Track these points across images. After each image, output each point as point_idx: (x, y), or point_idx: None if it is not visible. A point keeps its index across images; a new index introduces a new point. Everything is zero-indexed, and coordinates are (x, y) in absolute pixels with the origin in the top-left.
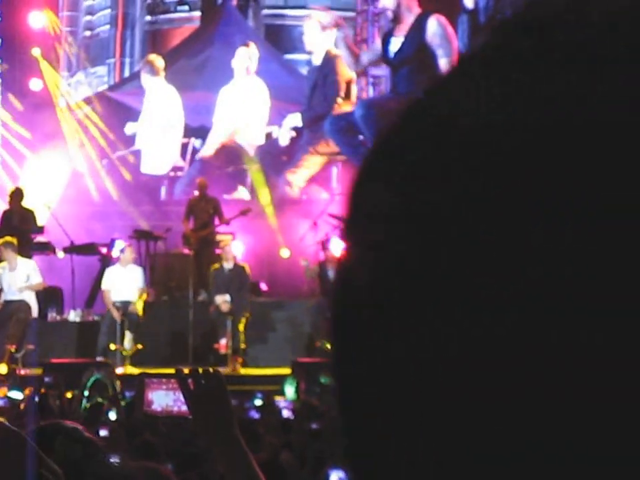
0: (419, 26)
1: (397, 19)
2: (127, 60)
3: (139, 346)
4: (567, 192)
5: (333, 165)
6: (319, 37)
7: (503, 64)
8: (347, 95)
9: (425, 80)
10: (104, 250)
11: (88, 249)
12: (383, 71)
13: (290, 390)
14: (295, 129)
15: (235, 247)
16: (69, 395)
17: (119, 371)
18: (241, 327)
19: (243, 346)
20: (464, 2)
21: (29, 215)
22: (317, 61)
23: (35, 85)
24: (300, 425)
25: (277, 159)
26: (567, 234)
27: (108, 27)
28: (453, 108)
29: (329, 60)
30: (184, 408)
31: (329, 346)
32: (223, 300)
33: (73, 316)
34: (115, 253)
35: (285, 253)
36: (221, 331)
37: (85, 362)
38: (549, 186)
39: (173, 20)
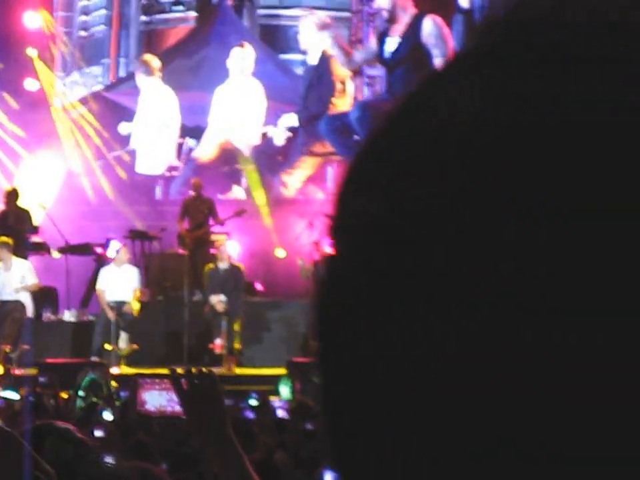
0: (415, 26)
1: (392, 19)
2: (122, 60)
3: (134, 346)
4: (541, 191)
5: (328, 165)
6: (315, 36)
7: (489, 64)
8: (343, 92)
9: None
10: (99, 250)
11: (83, 249)
12: (378, 71)
13: (285, 390)
14: (291, 128)
15: (230, 247)
16: (63, 394)
17: (114, 371)
18: (236, 327)
19: (237, 346)
20: (459, 1)
21: (24, 215)
22: (313, 60)
23: (30, 84)
24: (295, 425)
25: (272, 159)
26: (540, 233)
27: (103, 26)
28: (440, 109)
29: (324, 60)
30: (177, 408)
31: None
32: (218, 300)
33: (68, 316)
34: (110, 253)
35: (280, 252)
36: (216, 331)
37: (79, 362)
38: (524, 185)
39: (168, 20)
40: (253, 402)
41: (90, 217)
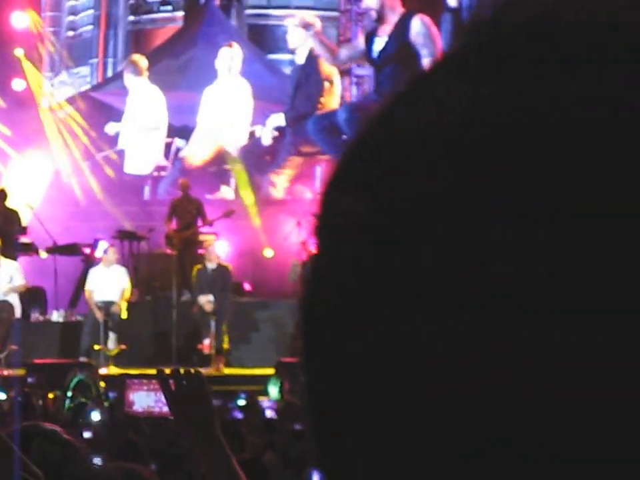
0: (403, 25)
1: (380, 18)
2: (110, 60)
3: (123, 346)
4: (541, 192)
5: (316, 164)
6: (301, 36)
7: (478, 64)
8: (331, 90)
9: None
10: (87, 250)
11: (71, 249)
12: (366, 70)
13: (274, 390)
14: (278, 128)
15: (219, 247)
16: (52, 395)
17: (103, 371)
18: (225, 327)
19: (226, 346)
20: (447, 1)
21: (13, 215)
22: (300, 60)
23: (17, 85)
24: (283, 425)
25: (260, 159)
26: (540, 233)
27: (91, 27)
28: (428, 109)
29: (312, 59)
30: (165, 409)
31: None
32: (206, 300)
33: (56, 316)
34: (98, 253)
35: (268, 252)
36: (204, 331)
37: (68, 362)
38: (523, 185)
39: (156, 20)
40: (242, 402)
41: (78, 217)
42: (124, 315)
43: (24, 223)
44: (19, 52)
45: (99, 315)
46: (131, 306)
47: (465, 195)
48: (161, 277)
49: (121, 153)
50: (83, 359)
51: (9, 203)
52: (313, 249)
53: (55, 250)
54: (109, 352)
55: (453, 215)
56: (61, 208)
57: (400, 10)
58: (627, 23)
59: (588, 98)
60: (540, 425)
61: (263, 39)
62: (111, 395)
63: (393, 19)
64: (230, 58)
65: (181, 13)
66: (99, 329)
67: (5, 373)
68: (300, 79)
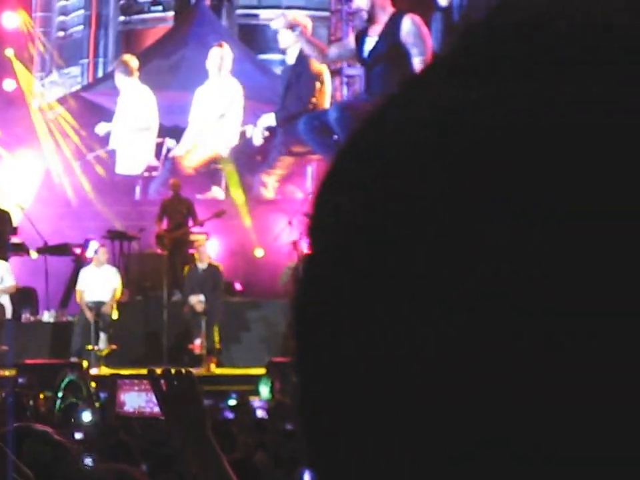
0: (393, 25)
1: (371, 18)
2: (101, 60)
3: (113, 346)
4: (535, 193)
5: (308, 164)
6: (289, 35)
7: (472, 66)
8: (322, 91)
9: (399, 79)
10: (78, 250)
11: (62, 249)
12: (357, 70)
13: (265, 390)
14: (269, 128)
15: (210, 247)
16: (43, 395)
17: (94, 371)
18: (215, 327)
19: (217, 346)
20: (438, 0)
21: (5, 216)
22: (291, 60)
23: (8, 85)
24: (274, 425)
25: (251, 159)
26: (535, 235)
27: (81, 27)
28: (421, 110)
29: (303, 59)
30: (156, 409)
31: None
32: (197, 300)
33: (47, 317)
34: (89, 253)
35: (259, 252)
36: (195, 331)
37: (59, 363)
38: (518, 187)
39: (146, 20)
40: (233, 402)
41: (68, 217)
42: (115, 316)
43: (15, 223)
44: (9, 52)
45: (90, 315)
46: (121, 306)
47: (458, 196)
48: (152, 277)
49: (111, 153)
50: (74, 359)
51: (0, 204)
52: (305, 248)
53: (45, 250)
54: (99, 352)
55: (446, 216)
56: (51, 208)
57: (390, 10)
58: (621, 24)
59: (582, 99)
60: (534, 427)
61: (254, 39)
62: (102, 395)
63: (383, 18)
64: (220, 58)
65: (171, 13)
66: (89, 329)
67: None
68: (291, 79)
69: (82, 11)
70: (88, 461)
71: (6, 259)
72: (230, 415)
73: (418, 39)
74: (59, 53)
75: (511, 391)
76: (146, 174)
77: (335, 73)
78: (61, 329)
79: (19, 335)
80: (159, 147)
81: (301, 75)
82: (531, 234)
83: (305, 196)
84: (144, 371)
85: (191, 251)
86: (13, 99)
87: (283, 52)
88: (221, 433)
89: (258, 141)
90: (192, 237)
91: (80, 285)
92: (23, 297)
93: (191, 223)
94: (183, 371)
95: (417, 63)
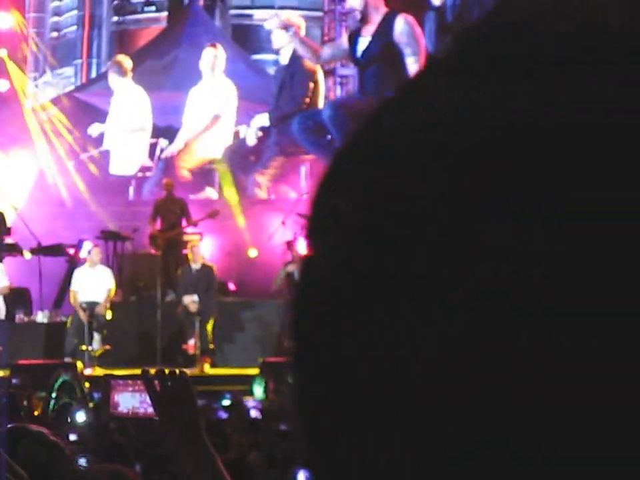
0: (386, 25)
1: (364, 18)
2: (94, 61)
3: (107, 347)
4: (535, 193)
5: (301, 164)
6: (282, 36)
7: (470, 67)
8: (316, 91)
9: (392, 79)
10: (71, 251)
11: (55, 250)
12: (350, 70)
13: (258, 390)
14: (263, 128)
15: (203, 247)
16: (37, 396)
17: (88, 372)
18: (209, 327)
19: (211, 346)
20: None
21: None
22: (284, 60)
23: (1, 85)
24: (268, 425)
25: (244, 159)
26: (535, 235)
27: (75, 27)
28: (420, 111)
29: (296, 59)
30: (150, 409)
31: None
32: (190, 300)
33: (41, 317)
34: (82, 253)
35: (253, 252)
36: (189, 331)
37: (52, 363)
38: (518, 187)
39: (139, 20)
40: (226, 402)
41: (62, 217)
42: (108, 316)
43: (8, 223)
44: (2, 52)
45: (84, 316)
46: (115, 306)
47: (458, 196)
48: (146, 278)
49: (105, 154)
50: (67, 360)
51: None
52: (303, 249)
53: (39, 251)
54: (93, 352)
55: (446, 216)
56: (45, 208)
57: (383, 9)
58: (621, 24)
59: (582, 99)
60: (534, 427)
61: (247, 39)
62: (96, 395)
63: (376, 18)
64: (213, 58)
65: (164, 14)
66: (83, 329)
67: None
68: (284, 79)
69: (75, 12)
70: (82, 462)
71: (0, 260)
72: (224, 415)
73: (411, 39)
74: (53, 54)
75: (510, 391)
76: (140, 174)
77: (329, 73)
78: (55, 330)
79: (12, 336)
80: (153, 147)
81: (294, 75)
82: (531, 234)
83: (299, 196)
84: (138, 371)
85: (184, 251)
86: (6, 99)
87: (277, 52)
88: (215, 433)
89: (251, 141)
90: (185, 238)
91: (74, 286)
92: (17, 297)
93: (184, 223)
94: (177, 371)
95: (411, 63)
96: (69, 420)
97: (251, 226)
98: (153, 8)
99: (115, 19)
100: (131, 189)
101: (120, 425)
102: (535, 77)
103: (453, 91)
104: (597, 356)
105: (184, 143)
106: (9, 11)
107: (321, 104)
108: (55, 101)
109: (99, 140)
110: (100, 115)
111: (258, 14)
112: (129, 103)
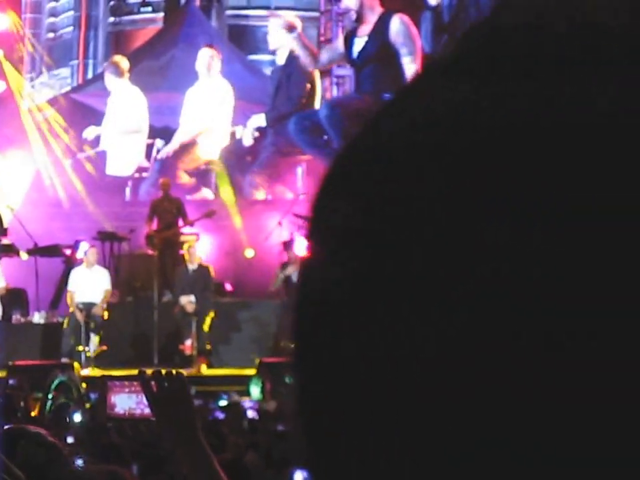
0: (382, 25)
1: (359, 19)
2: (91, 61)
3: (104, 347)
4: (536, 193)
5: (298, 164)
6: (283, 37)
7: (471, 66)
8: (312, 93)
9: (388, 79)
10: (68, 252)
11: (52, 250)
12: (347, 70)
13: (255, 390)
14: (259, 129)
15: (200, 248)
16: (34, 397)
17: (85, 372)
18: (206, 327)
19: (208, 347)
20: None
21: None
22: (281, 60)
23: None
24: (265, 425)
25: (241, 159)
26: (535, 235)
27: (71, 28)
28: (418, 113)
29: (293, 60)
30: (147, 410)
31: (291, 345)
32: (187, 301)
33: (38, 318)
34: (79, 254)
35: (249, 252)
36: (186, 331)
37: (49, 364)
38: (518, 187)
39: (136, 21)
40: (223, 402)
41: (58, 218)
42: (105, 316)
43: (5, 224)
44: None
45: (80, 317)
46: (112, 307)
47: (458, 197)
48: (142, 278)
49: (102, 155)
50: (64, 361)
51: None
52: (302, 250)
53: (35, 251)
54: (90, 353)
55: (445, 216)
56: (41, 209)
57: (379, 10)
58: (621, 24)
59: (582, 99)
60: (534, 427)
61: (244, 40)
62: (92, 396)
63: (372, 18)
64: (209, 59)
65: (161, 14)
66: (80, 330)
67: None
68: (281, 80)
69: (72, 12)
70: (79, 463)
71: None
72: (220, 416)
73: (407, 39)
74: (49, 54)
75: (510, 391)
76: (136, 175)
77: (325, 73)
78: (52, 330)
79: (9, 336)
80: (149, 148)
81: (291, 76)
82: (531, 234)
83: (296, 196)
84: (135, 372)
85: (181, 252)
86: (2, 100)
87: (273, 53)
88: (212, 433)
89: (248, 141)
90: (182, 238)
91: (71, 286)
92: (13, 298)
93: (181, 222)
94: (173, 372)
95: (407, 63)
96: (66, 421)
97: (247, 226)
98: (149, 9)
99: (111, 19)
100: (128, 190)
101: (117, 426)
102: (535, 77)
103: (452, 92)
104: (597, 356)
105: (179, 145)
106: (6, 12)
107: (317, 104)
108: (52, 102)
109: (96, 141)
110: (96, 116)
111: (254, 14)
112: (125, 104)
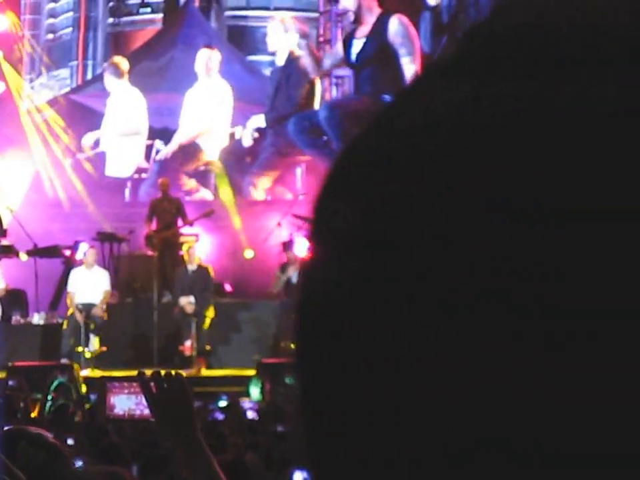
0: (381, 26)
1: (357, 20)
2: (90, 62)
3: (103, 348)
4: (536, 193)
5: (297, 165)
6: (283, 37)
7: (472, 67)
8: (312, 94)
9: (387, 79)
10: (67, 252)
11: (51, 251)
12: (346, 71)
13: (255, 391)
14: (259, 129)
15: (199, 248)
16: (33, 398)
17: (84, 373)
18: (205, 327)
19: (207, 348)
20: None
21: None
22: (280, 61)
23: None
24: (265, 426)
25: (240, 160)
26: (535, 235)
27: (70, 29)
28: (418, 114)
29: (292, 61)
30: (146, 411)
31: (292, 346)
32: (187, 301)
33: (37, 319)
34: (79, 255)
35: (248, 253)
36: (185, 332)
37: (48, 365)
38: (518, 187)
39: (135, 22)
40: (223, 403)
41: (58, 219)
42: (105, 317)
43: (4, 225)
44: None
45: (80, 317)
46: (111, 308)
47: (458, 197)
48: (142, 279)
49: (101, 156)
50: (64, 362)
51: None
52: (302, 251)
53: (35, 252)
54: (89, 354)
55: (445, 216)
56: (41, 210)
57: (377, 10)
58: (621, 24)
59: (583, 99)
60: (534, 427)
61: (243, 41)
62: (92, 397)
63: (370, 19)
64: (208, 59)
65: (160, 15)
66: (79, 331)
67: None
68: (280, 81)
69: (71, 13)
70: (78, 463)
71: None
72: (220, 416)
73: (406, 39)
74: (48, 55)
75: (511, 391)
76: (136, 176)
77: (324, 74)
78: (51, 331)
79: (8, 337)
80: (149, 149)
81: (290, 76)
82: (531, 234)
83: (295, 197)
84: (134, 373)
85: (180, 252)
86: (1, 101)
87: (272, 53)
88: (212, 434)
89: (247, 142)
90: (182, 239)
91: (70, 287)
92: (13, 299)
93: (180, 222)
94: (173, 372)
95: (406, 63)
96: (67, 422)
97: (247, 227)
98: (149, 9)
99: (111, 20)
100: (127, 191)
101: (116, 426)
102: (535, 77)
103: (452, 92)
104: (597, 356)
105: (178, 146)
106: (5, 13)
107: (316, 105)
108: (51, 103)
109: (95, 143)
110: (96, 117)
111: (253, 15)
112: (125, 105)
